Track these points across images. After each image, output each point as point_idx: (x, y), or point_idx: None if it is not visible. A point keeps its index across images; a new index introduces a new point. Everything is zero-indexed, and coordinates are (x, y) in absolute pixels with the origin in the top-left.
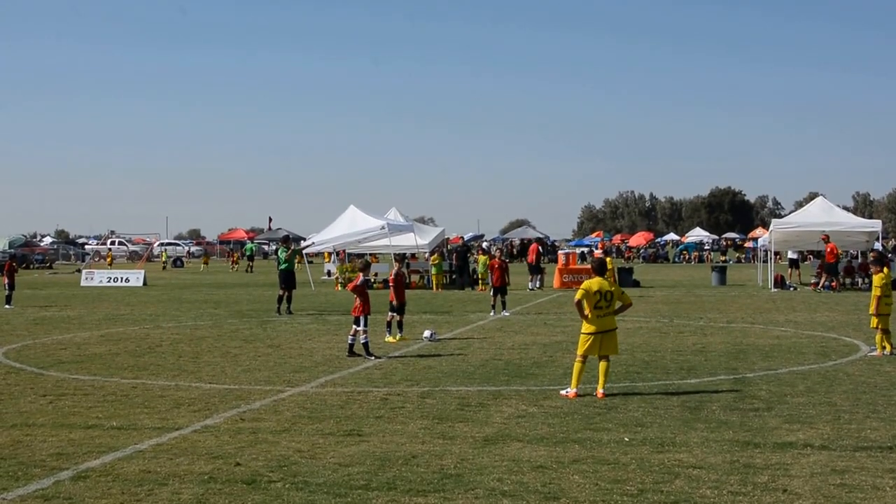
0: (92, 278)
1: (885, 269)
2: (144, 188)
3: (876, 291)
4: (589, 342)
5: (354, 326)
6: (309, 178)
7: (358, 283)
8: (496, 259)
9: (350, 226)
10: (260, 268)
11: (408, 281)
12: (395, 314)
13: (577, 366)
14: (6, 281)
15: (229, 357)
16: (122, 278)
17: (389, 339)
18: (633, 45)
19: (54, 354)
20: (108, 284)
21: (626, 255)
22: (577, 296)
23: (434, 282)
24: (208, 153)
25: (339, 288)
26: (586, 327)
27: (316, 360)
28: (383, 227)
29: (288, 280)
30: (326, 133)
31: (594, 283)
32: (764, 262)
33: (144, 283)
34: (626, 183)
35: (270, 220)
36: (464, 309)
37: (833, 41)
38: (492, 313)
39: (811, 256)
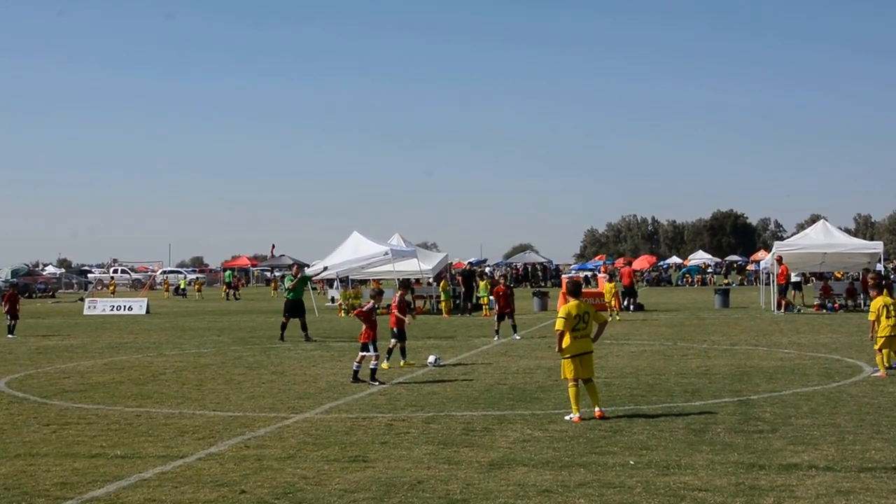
0: (95, 307)
1: (884, 293)
2: (147, 215)
3: (871, 316)
4: (571, 364)
5: (361, 353)
6: (312, 205)
7: (365, 309)
8: (501, 285)
9: (353, 252)
10: (262, 295)
11: (412, 307)
12: (395, 340)
13: (571, 391)
14: (6, 310)
15: (233, 384)
16: (125, 306)
17: (384, 365)
18: (634, 68)
19: (57, 383)
20: (111, 313)
21: None
22: (558, 325)
23: (444, 307)
24: (211, 179)
25: (343, 314)
26: (566, 350)
27: (320, 387)
28: (387, 253)
29: (294, 308)
30: (329, 159)
31: (572, 306)
32: (766, 284)
33: (147, 311)
34: (628, 206)
35: (273, 247)
36: (468, 334)
37: (834, 65)
38: (496, 338)
39: (813, 278)
